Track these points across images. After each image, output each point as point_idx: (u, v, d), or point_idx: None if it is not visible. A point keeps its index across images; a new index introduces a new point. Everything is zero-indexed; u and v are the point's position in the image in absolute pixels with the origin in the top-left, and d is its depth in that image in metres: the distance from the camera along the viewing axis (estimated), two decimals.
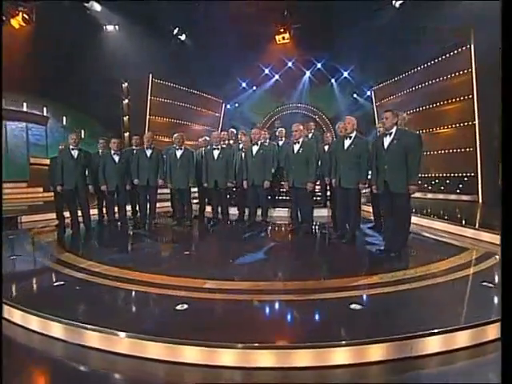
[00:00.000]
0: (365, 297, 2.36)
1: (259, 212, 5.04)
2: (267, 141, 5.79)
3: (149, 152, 5.24)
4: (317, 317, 2.11)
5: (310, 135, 6.34)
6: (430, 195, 8.27)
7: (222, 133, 6.52)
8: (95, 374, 1.77)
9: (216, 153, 5.07)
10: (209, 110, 11.84)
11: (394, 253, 3.32)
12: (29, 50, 8.54)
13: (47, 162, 5.80)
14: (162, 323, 2.00)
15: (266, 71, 11.90)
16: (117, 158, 5.15)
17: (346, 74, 11.07)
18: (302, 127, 4.46)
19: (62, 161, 4.77)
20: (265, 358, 1.69)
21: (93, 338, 1.90)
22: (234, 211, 5.71)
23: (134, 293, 2.49)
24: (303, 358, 1.69)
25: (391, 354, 1.73)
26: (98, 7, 8.30)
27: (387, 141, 3.33)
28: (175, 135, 5.38)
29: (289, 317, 2.13)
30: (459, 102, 7.76)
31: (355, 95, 11.14)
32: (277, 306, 2.26)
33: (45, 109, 10.34)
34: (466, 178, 7.66)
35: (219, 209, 5.37)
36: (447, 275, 2.72)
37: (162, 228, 5.23)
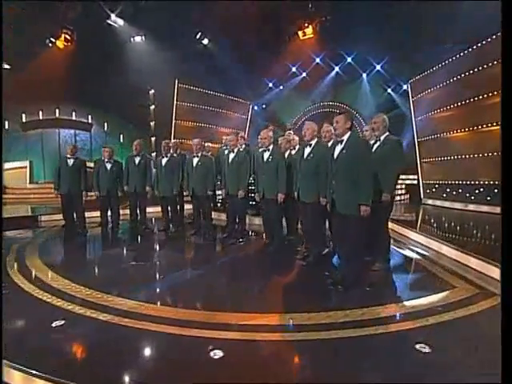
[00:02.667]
0: (238, 342, 1.92)
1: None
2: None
3: (137, 159, 5.43)
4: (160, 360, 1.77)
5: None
6: (471, 206, 6.85)
7: (225, 137, 6.37)
8: None
9: (195, 160, 4.95)
10: (235, 112, 11.78)
11: (342, 286, 2.76)
12: (72, 66, 9.67)
13: (90, 165, 6.11)
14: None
15: (294, 69, 11.34)
16: (109, 166, 5.46)
17: (378, 67, 9.87)
18: (271, 133, 4.05)
19: (59, 168, 5.24)
20: None
21: None
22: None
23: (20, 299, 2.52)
24: None
25: None
26: (120, 22, 8.97)
27: (337, 150, 2.78)
28: (162, 143, 5.48)
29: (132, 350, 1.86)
30: None
31: (389, 90, 9.85)
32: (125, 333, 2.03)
33: (89, 116, 11.63)
34: None
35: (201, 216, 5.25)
36: (380, 326, 2.11)
37: (146, 234, 5.33)
